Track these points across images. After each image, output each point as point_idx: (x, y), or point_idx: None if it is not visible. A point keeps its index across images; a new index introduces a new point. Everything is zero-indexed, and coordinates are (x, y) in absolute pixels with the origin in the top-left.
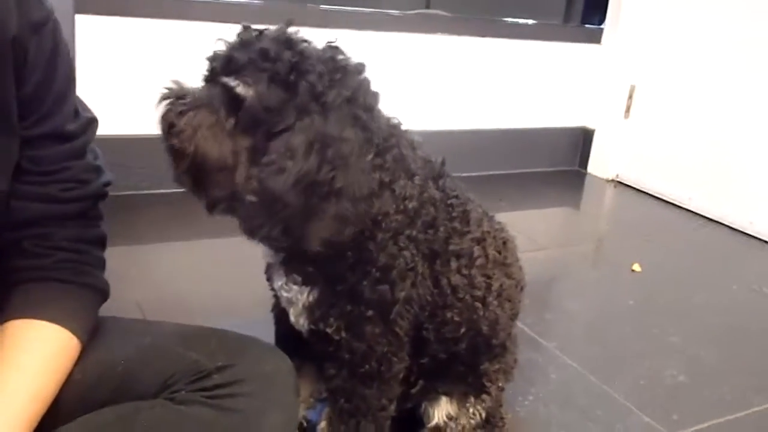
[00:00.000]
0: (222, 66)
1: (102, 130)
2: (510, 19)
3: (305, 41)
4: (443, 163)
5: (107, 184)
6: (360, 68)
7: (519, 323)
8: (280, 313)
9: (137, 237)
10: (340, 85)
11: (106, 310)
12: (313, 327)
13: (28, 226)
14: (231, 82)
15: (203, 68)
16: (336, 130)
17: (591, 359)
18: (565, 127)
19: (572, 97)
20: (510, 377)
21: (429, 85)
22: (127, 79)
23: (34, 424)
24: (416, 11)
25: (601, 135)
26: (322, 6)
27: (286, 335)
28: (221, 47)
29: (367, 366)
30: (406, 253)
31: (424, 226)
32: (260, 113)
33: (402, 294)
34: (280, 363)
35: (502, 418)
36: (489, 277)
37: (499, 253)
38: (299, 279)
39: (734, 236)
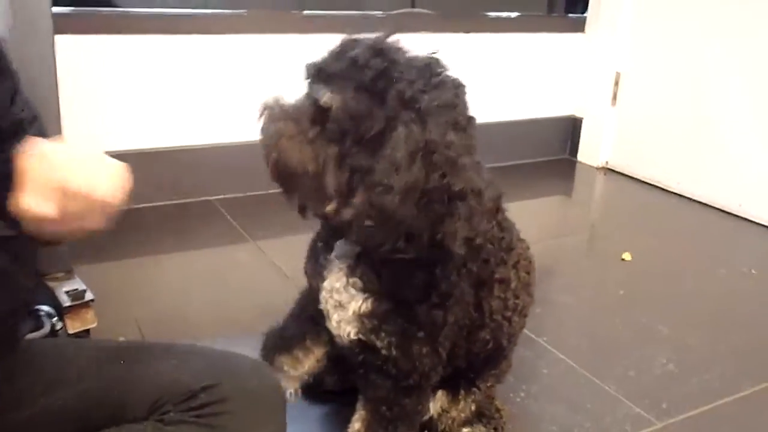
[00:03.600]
0: (313, 76)
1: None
2: (494, 13)
3: (400, 49)
4: (500, 197)
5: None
6: (457, 82)
7: None
8: (306, 306)
9: (132, 252)
10: (434, 92)
11: (107, 327)
12: (361, 337)
13: None
14: (317, 92)
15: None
16: (437, 135)
17: (581, 352)
18: (553, 117)
19: (559, 87)
20: (501, 380)
21: None
22: (114, 96)
23: None
24: (400, 11)
25: (589, 123)
26: (305, 12)
27: (303, 319)
28: (319, 57)
29: (410, 380)
30: (464, 284)
31: (481, 261)
32: (346, 121)
33: (452, 319)
34: (266, 380)
35: (498, 410)
36: (517, 298)
37: (528, 274)
38: (360, 284)
39: (723, 218)
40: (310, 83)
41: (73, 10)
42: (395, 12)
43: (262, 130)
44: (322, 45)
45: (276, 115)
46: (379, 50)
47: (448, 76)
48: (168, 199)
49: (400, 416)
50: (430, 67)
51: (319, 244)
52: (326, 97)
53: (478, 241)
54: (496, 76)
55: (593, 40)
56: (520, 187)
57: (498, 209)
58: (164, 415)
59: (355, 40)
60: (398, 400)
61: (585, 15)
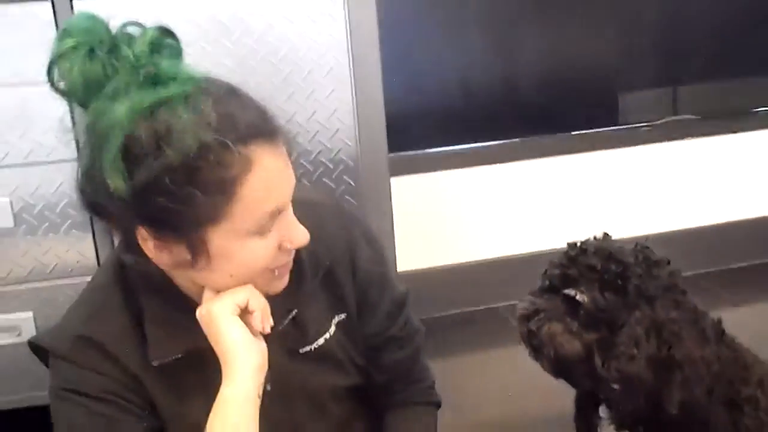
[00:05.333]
0: (560, 281)
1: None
2: (762, 109)
3: (620, 248)
4: (720, 322)
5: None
6: (667, 260)
7: None
8: None
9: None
10: (657, 279)
11: None
12: None
13: (393, 374)
14: (570, 292)
15: (541, 281)
16: (663, 314)
17: None
18: None
19: None
20: None
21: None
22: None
23: None
24: (664, 120)
25: None
26: (573, 132)
27: None
28: (554, 265)
29: None
30: (716, 408)
31: (725, 383)
32: (596, 313)
33: None
34: None
35: None
36: None
37: None
38: None
39: None
40: (555, 286)
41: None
42: (659, 122)
43: (527, 328)
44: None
45: (542, 318)
46: (609, 256)
47: (660, 259)
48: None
49: None
50: (647, 258)
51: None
52: (579, 296)
53: (715, 367)
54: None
55: None
56: None
57: (722, 332)
58: None
59: (583, 249)
60: None
61: None
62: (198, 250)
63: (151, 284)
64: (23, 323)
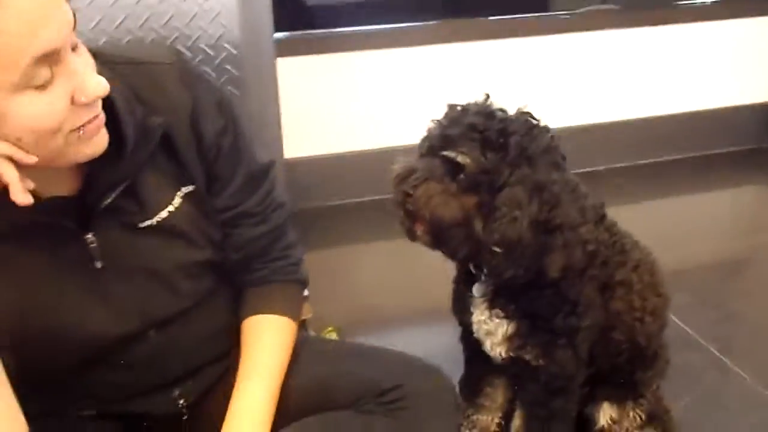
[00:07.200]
0: (439, 142)
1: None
2: (684, 2)
3: (502, 110)
4: (602, 206)
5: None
6: (548, 128)
7: (682, 324)
8: (467, 339)
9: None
10: (537, 139)
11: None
12: (511, 354)
13: (249, 251)
14: (450, 153)
15: (420, 143)
16: (544, 175)
17: (754, 364)
18: (751, 104)
19: (757, 73)
20: (662, 377)
21: (613, 77)
22: (328, 107)
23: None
24: (587, 8)
25: None
26: (490, 18)
27: (474, 356)
28: (433, 126)
29: (558, 383)
30: (588, 289)
31: (599, 265)
32: (478, 175)
33: (586, 323)
34: (440, 383)
35: (667, 412)
36: (644, 299)
37: (651, 276)
38: (501, 314)
39: None
40: (434, 148)
41: (289, 34)
42: (581, 10)
43: (402, 190)
44: (509, 49)
45: (419, 177)
46: (490, 114)
47: (541, 124)
48: (369, 195)
49: (552, 415)
50: (528, 121)
51: (461, 287)
52: (460, 157)
53: (591, 247)
54: (688, 65)
55: None
56: (713, 178)
57: (603, 216)
58: (363, 406)
59: (462, 108)
60: (549, 402)
61: None
62: None
63: None
64: None
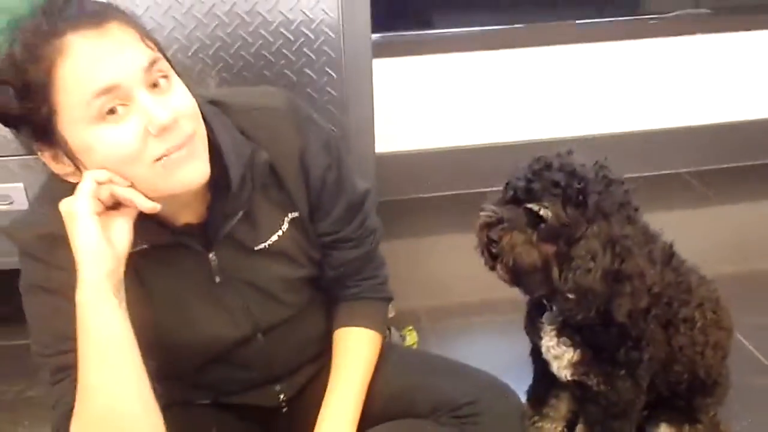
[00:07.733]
0: (523, 194)
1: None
2: None
3: (582, 165)
4: (671, 246)
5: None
6: (623, 181)
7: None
8: (537, 356)
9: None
10: (613, 195)
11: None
12: (576, 378)
13: (344, 270)
14: (534, 207)
15: (505, 190)
16: (618, 229)
17: None
18: None
19: None
20: (721, 403)
21: (703, 81)
22: (418, 106)
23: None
24: (676, 13)
25: None
26: (577, 21)
27: (541, 371)
28: (518, 177)
29: (617, 408)
30: (652, 327)
31: (663, 304)
32: (558, 227)
33: (647, 357)
34: (509, 404)
35: None
36: (706, 335)
37: (714, 312)
38: (569, 342)
39: None
40: (518, 198)
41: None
42: (671, 15)
43: (488, 236)
44: (598, 53)
45: (505, 227)
46: (572, 173)
47: (616, 177)
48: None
49: None
50: (606, 176)
51: (533, 313)
52: (543, 211)
53: (656, 289)
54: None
55: None
56: None
57: (672, 255)
58: (439, 417)
59: (546, 163)
60: (608, 423)
61: None
62: (67, 150)
63: None
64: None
